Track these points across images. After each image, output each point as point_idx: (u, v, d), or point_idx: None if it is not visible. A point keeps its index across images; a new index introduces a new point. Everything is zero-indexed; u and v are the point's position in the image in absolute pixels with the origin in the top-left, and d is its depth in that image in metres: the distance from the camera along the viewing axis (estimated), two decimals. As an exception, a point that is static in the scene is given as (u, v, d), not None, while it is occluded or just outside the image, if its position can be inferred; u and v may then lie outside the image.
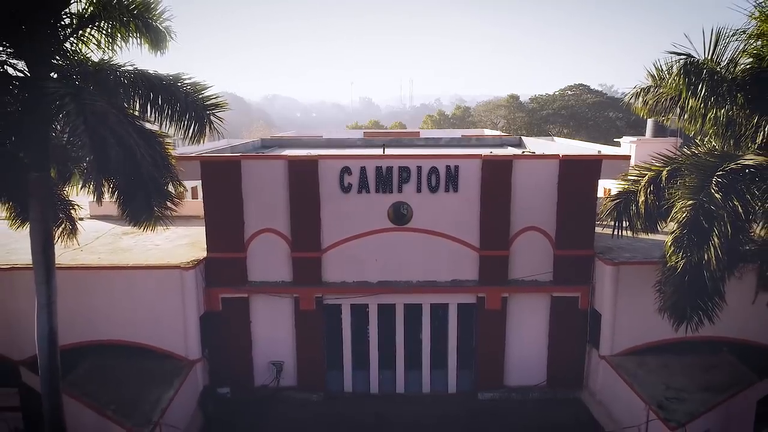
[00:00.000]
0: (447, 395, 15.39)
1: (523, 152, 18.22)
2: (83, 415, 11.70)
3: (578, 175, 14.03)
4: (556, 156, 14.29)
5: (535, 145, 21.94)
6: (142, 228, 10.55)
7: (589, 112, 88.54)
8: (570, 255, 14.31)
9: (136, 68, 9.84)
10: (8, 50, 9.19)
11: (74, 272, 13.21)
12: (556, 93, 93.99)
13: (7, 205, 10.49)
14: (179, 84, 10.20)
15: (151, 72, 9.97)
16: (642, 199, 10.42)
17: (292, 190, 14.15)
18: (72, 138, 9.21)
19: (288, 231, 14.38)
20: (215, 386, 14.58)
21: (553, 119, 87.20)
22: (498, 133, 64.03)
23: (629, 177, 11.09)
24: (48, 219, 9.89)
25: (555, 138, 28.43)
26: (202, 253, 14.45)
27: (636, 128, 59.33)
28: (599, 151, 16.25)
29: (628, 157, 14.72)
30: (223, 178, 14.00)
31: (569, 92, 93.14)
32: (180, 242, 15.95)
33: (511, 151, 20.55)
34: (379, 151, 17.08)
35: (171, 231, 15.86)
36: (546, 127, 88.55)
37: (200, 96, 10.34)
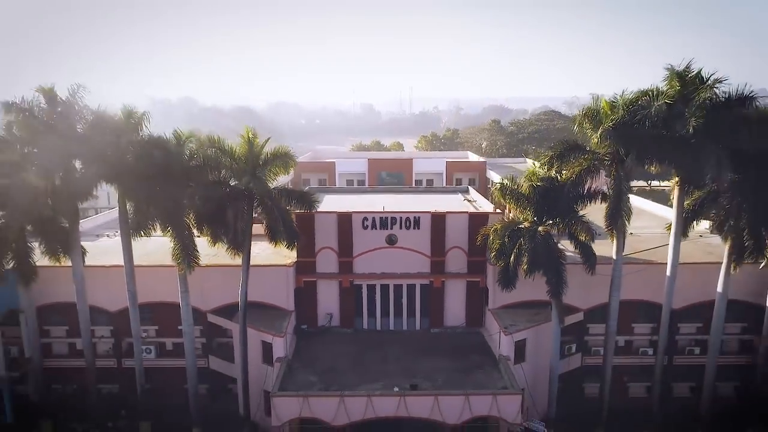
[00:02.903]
0: (415, 330, 30.21)
1: (465, 198, 33.13)
2: (251, 333, 26.42)
3: (477, 220, 28.74)
4: (466, 212, 29.10)
5: (474, 193, 36.68)
6: (275, 245, 25.30)
7: (559, 135, 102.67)
8: (474, 260, 29.01)
9: (291, 187, 24.71)
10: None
11: (252, 268, 27.97)
12: (532, 117, 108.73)
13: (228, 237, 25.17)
14: (298, 192, 25.04)
15: (290, 188, 24.79)
16: (491, 238, 25.16)
17: (339, 228, 28.88)
18: (261, 214, 24.00)
19: (336, 247, 29.10)
20: (300, 324, 29.38)
21: (529, 141, 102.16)
22: (477, 158, 79.26)
23: (488, 229, 25.83)
24: (249, 247, 24.69)
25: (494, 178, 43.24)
26: (284, 258, 29.03)
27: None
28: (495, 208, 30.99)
29: (487, 215, 29.12)
30: (306, 222, 28.66)
31: (543, 116, 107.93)
32: (268, 251, 30.38)
33: (460, 196, 35.47)
34: (382, 203, 31.81)
35: (258, 246, 30.20)
36: (523, 147, 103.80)
37: (308, 198, 25.13)
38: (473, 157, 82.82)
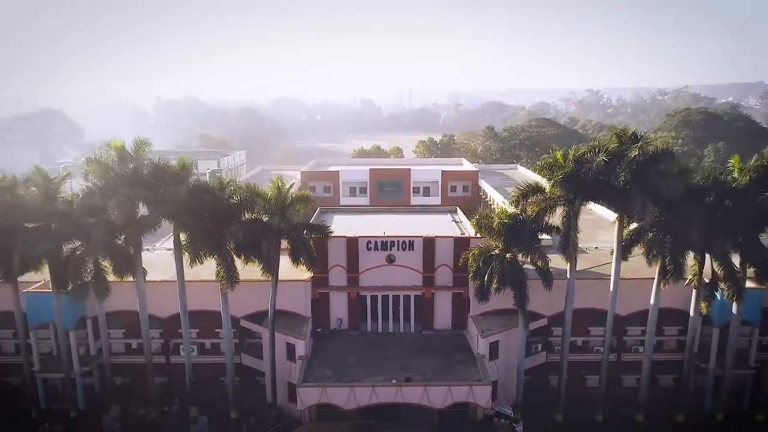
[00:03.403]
0: (409, 333, 36.68)
1: (453, 219, 39.57)
2: (278, 336, 32.86)
3: (461, 243, 35.07)
4: (452, 236, 35.46)
5: (460, 214, 42.96)
6: (297, 266, 31.73)
7: (551, 142, 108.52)
8: (458, 275, 35.34)
9: (311, 223, 31.12)
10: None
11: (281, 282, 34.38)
12: (524, 125, 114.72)
13: (259, 260, 31.51)
14: (317, 225, 31.42)
15: (311, 223, 31.18)
16: (470, 261, 31.53)
17: (347, 249, 35.23)
18: (287, 244, 30.40)
19: (345, 265, 35.47)
20: (315, 327, 35.84)
21: (521, 147, 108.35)
22: (470, 168, 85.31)
23: (468, 253, 32.19)
24: (277, 268, 31.10)
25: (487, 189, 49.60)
26: (302, 273, 35.35)
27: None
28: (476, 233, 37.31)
29: (468, 240, 35.45)
30: (321, 245, 34.93)
31: (534, 123, 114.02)
32: (288, 265, 36.77)
33: (449, 217, 41.88)
34: (383, 225, 38.13)
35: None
36: (516, 153, 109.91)
37: (324, 229, 31.52)
38: (467, 164, 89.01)
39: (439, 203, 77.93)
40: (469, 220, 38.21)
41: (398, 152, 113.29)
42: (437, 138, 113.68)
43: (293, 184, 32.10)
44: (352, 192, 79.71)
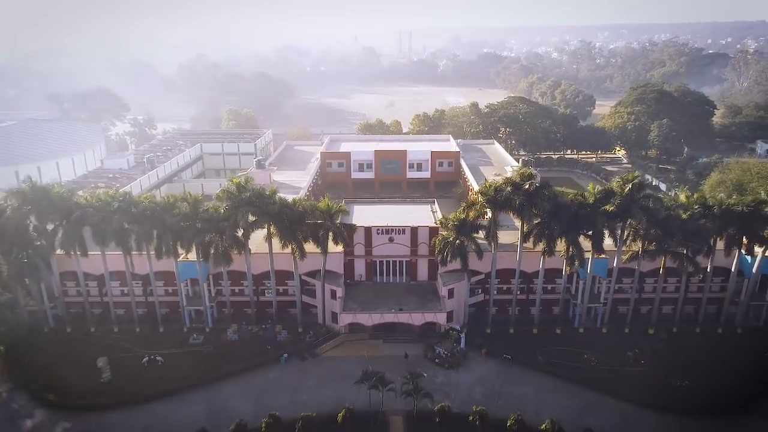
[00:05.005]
0: (402, 282, 60.77)
1: (431, 210, 63.06)
2: (326, 286, 56.86)
3: (433, 231, 58.39)
4: (428, 226, 58.84)
5: (436, 206, 66.27)
6: (336, 244, 55.40)
7: (523, 118, 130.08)
8: (431, 249, 58.94)
9: (345, 223, 54.58)
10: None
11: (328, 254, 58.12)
12: (504, 101, 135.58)
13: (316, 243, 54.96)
14: (349, 225, 54.84)
15: (346, 223, 54.53)
16: (437, 243, 55.03)
17: (365, 234, 58.63)
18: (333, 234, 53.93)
19: (363, 243, 58.97)
20: (346, 280, 59.77)
21: (500, 122, 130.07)
22: (454, 148, 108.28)
23: (435, 238, 55.68)
24: (326, 246, 54.80)
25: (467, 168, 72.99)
26: (339, 248, 58.87)
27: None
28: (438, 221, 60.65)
29: (437, 229, 58.61)
30: (350, 231, 58.08)
31: (508, 102, 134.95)
32: (331, 244, 60.30)
33: (428, 207, 65.38)
34: (386, 214, 61.41)
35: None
36: (496, 126, 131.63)
37: (354, 226, 54.93)
38: (452, 142, 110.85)
39: (429, 177, 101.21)
40: (451, 193, 60.94)
41: (398, 125, 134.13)
42: (430, 113, 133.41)
43: (341, 201, 54.69)
44: (361, 168, 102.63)
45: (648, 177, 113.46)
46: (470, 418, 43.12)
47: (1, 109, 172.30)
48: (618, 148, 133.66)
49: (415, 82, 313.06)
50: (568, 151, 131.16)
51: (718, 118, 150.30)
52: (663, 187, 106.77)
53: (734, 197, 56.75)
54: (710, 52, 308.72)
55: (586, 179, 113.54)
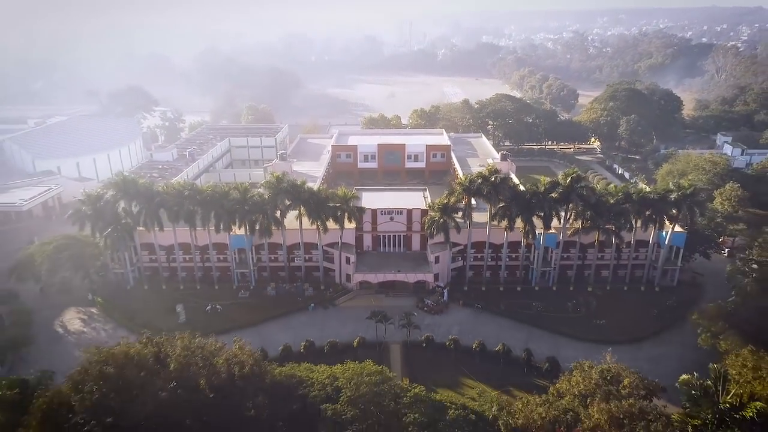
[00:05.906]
0: (400, 251, 78.82)
1: (423, 195, 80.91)
2: (343, 254, 74.85)
3: (424, 212, 76.17)
4: (420, 208, 76.64)
5: (427, 192, 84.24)
6: (350, 222, 73.31)
7: (508, 114, 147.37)
8: (423, 225, 76.75)
9: (357, 206, 72.63)
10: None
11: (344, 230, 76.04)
12: (492, 97, 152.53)
13: (335, 221, 72.83)
14: (359, 207, 72.79)
15: (357, 207, 72.46)
16: (426, 221, 72.95)
17: (372, 214, 76.50)
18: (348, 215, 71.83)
19: (370, 221, 76.84)
20: (357, 249, 77.81)
21: (488, 117, 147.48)
22: (446, 142, 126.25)
23: (425, 217, 73.57)
24: (344, 224, 72.71)
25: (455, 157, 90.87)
26: (352, 225, 76.70)
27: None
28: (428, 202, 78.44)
29: (427, 211, 76.32)
30: (360, 213, 75.89)
31: (496, 99, 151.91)
32: (346, 222, 78.11)
33: (421, 194, 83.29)
34: (388, 199, 79.23)
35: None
36: (485, 120, 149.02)
37: (363, 209, 72.84)
38: (445, 136, 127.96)
39: (424, 167, 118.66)
40: (443, 181, 78.72)
41: (398, 119, 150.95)
42: (427, 106, 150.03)
43: (353, 189, 72.23)
44: (366, 159, 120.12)
45: (615, 166, 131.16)
46: (447, 344, 61.40)
47: (34, 103, 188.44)
48: (594, 139, 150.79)
49: (414, 72, 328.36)
50: (549, 143, 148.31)
51: (689, 110, 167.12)
52: (627, 175, 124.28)
53: (671, 184, 73.11)
54: (702, 40, 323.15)
55: (562, 168, 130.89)
